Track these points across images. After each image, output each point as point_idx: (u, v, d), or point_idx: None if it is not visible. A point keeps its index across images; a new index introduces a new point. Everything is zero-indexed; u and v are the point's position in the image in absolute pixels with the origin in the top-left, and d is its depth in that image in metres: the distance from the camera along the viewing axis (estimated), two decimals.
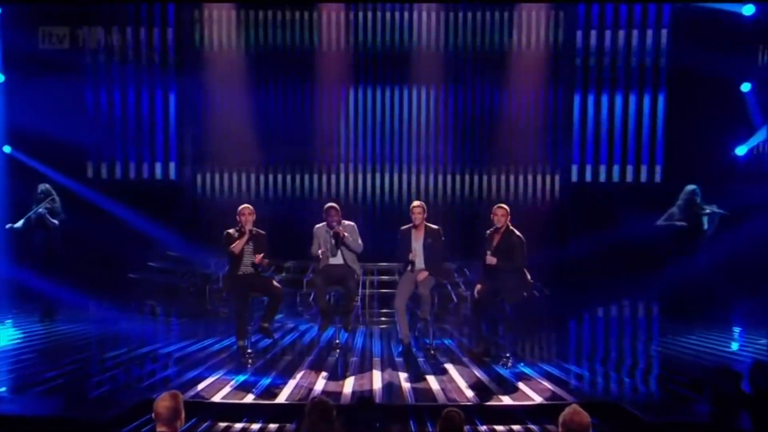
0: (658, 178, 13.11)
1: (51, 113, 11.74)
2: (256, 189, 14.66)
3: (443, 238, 8.05)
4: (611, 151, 13.53)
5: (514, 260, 7.49)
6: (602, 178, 13.48)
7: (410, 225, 8.05)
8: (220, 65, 13.47)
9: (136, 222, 12.50)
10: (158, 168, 13.99)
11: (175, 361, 7.45)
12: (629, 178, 13.35)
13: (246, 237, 7.61)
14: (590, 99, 13.26)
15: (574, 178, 13.51)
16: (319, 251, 7.96)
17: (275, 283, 7.85)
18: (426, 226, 7.98)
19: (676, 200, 10.34)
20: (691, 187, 10.22)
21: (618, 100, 13.22)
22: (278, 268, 11.96)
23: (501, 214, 7.62)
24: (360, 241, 8.08)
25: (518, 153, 13.60)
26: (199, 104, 13.96)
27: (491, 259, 7.50)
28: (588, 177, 13.46)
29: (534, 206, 13.83)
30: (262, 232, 7.80)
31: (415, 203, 7.99)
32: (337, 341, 8.21)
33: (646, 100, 13.10)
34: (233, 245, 7.57)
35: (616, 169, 13.53)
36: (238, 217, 7.70)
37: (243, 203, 7.98)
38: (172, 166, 14.23)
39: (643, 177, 13.23)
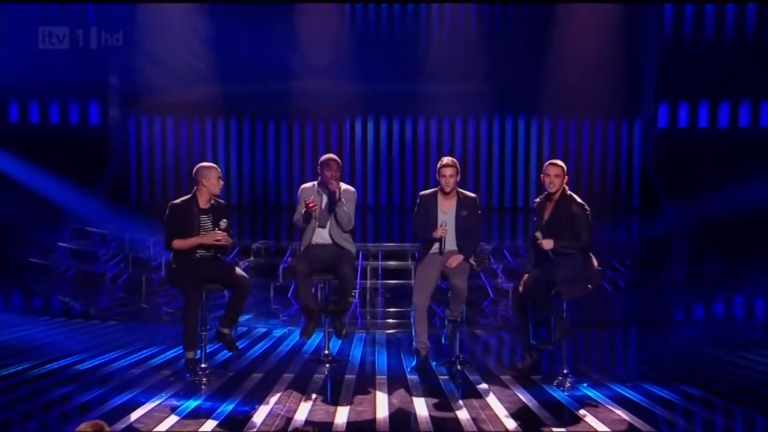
0: None
1: None
2: (212, 139, 14.69)
3: (480, 212, 8.06)
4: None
5: (577, 239, 7.49)
6: (702, 122, 13.45)
7: (434, 190, 8.04)
8: None
9: (41, 185, 12.52)
10: (73, 109, 14.00)
11: (98, 381, 7.50)
12: (743, 120, 13.28)
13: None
14: None
15: (662, 122, 13.51)
16: (302, 211, 7.93)
17: (240, 271, 7.87)
18: (459, 193, 7.98)
19: None
20: None
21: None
22: (244, 251, 12.02)
23: (555, 174, 7.59)
24: (352, 217, 8.08)
25: (577, 85, 13.54)
26: (129, 19, 13.94)
27: (547, 243, 7.49)
28: (682, 121, 13.45)
29: (603, 163, 13.88)
30: (222, 201, 7.80)
31: (446, 160, 7.94)
32: (327, 352, 8.26)
33: None
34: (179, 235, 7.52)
35: (723, 109, 13.46)
36: (200, 179, 7.61)
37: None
38: (93, 106, 14.25)
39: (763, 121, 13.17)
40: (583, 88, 13.81)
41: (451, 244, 7.95)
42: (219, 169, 7.69)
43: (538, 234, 7.53)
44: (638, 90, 14.34)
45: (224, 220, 7.58)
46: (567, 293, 7.51)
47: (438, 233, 7.86)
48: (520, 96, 14.57)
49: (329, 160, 8.02)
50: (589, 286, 7.58)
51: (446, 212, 7.95)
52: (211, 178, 7.58)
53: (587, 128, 14.74)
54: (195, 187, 7.62)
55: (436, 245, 7.94)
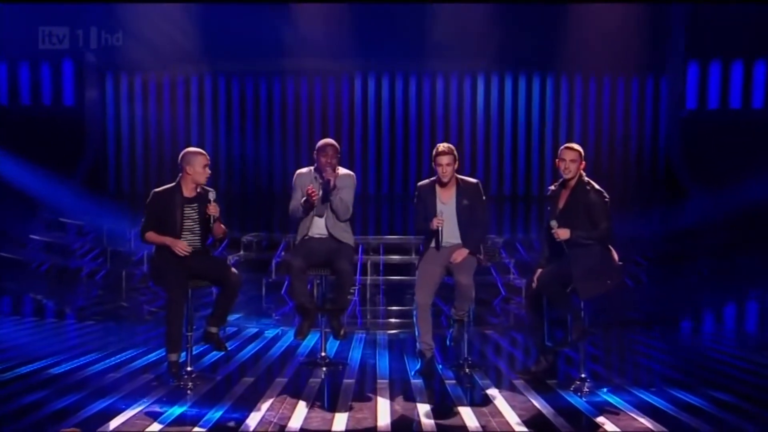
0: None
1: None
2: (199, 120, 14.65)
3: (484, 197, 8.05)
4: None
5: (594, 229, 7.48)
6: (734, 102, 13.39)
7: (432, 179, 8.05)
8: None
9: (11, 172, 12.51)
10: (45, 88, 13.99)
11: (74, 385, 7.51)
12: None
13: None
14: None
15: (690, 103, 13.47)
16: (302, 201, 7.95)
17: (230, 267, 7.88)
18: (459, 180, 7.98)
19: None
20: None
21: None
22: (233, 245, 12.03)
23: (570, 158, 7.59)
24: (350, 205, 8.07)
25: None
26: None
27: (563, 233, 7.49)
28: (711, 101, 13.41)
29: (624, 143, 13.82)
30: (210, 189, 7.77)
31: (441, 147, 7.93)
32: (323, 354, 8.28)
33: None
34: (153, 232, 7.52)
35: (759, 69, 13.33)
36: (184, 165, 7.62)
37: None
38: (67, 85, 14.25)
39: None
40: (604, 43, 13.75)
41: (452, 236, 7.94)
42: (206, 156, 7.66)
43: (554, 223, 7.51)
44: (664, 46, 14.26)
45: (212, 192, 7.58)
46: (584, 291, 7.49)
47: (434, 224, 7.85)
48: (536, 51, 14.49)
49: (326, 145, 8.02)
50: (609, 282, 7.55)
51: (445, 203, 7.95)
52: (196, 166, 7.57)
53: (608, 88, 14.68)
54: (180, 175, 7.62)
55: (435, 239, 7.95)
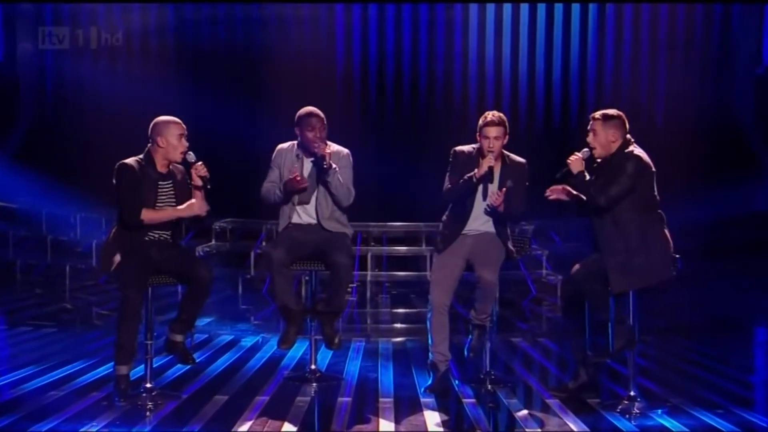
0: None
1: None
2: (160, 61, 14.65)
3: (528, 183, 8.06)
4: None
5: (603, 193, 7.41)
6: None
7: (473, 147, 8.06)
8: None
9: None
10: None
11: (7, 406, 7.55)
12: None
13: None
14: None
15: None
16: (280, 188, 7.98)
17: (200, 260, 7.89)
18: (505, 156, 8.01)
19: None
20: None
21: None
22: (203, 233, 12.05)
23: (590, 128, 7.60)
24: (352, 187, 8.10)
25: None
26: None
27: (576, 163, 7.43)
28: None
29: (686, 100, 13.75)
30: (181, 166, 7.78)
31: (490, 117, 7.93)
32: (314, 366, 8.33)
33: None
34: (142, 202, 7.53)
35: None
36: (155, 137, 7.62)
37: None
38: None
39: None
40: None
41: (483, 222, 7.99)
42: (182, 125, 7.59)
43: (585, 151, 7.51)
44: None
45: (190, 153, 7.59)
46: (617, 283, 7.42)
47: (484, 165, 7.81)
48: None
49: (309, 115, 7.98)
50: (655, 276, 7.51)
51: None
52: (169, 137, 7.53)
53: (665, 21, 14.66)
54: (148, 146, 7.59)
55: (471, 221, 7.96)
